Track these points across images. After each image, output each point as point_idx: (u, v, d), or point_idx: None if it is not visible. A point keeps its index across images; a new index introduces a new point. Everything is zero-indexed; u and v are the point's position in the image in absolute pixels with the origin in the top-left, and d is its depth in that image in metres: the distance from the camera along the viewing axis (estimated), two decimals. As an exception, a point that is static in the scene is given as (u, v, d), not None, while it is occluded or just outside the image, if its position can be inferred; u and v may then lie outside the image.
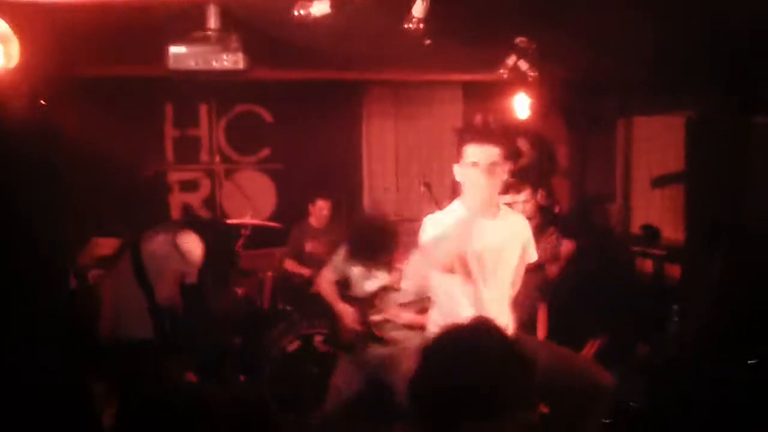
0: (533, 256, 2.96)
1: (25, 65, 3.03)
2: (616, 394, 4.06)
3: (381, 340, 3.47)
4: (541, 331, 4.55)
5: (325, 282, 3.67)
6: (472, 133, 2.91)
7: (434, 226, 2.71)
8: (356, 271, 3.55)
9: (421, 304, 3.32)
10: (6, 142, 2.98)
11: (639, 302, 5.00)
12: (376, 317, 3.45)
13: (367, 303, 3.49)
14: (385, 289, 3.51)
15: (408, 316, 3.38)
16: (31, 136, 3.27)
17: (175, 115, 5.88)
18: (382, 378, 3.53)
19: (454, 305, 2.78)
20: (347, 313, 3.52)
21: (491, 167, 2.64)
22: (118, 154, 4.21)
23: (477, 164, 2.65)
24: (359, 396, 3.62)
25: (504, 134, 5.58)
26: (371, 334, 3.46)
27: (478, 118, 6.13)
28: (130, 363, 3.29)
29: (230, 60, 2.96)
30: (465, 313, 2.73)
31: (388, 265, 3.50)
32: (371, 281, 3.53)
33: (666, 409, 3.98)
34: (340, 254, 3.66)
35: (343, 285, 3.65)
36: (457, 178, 2.76)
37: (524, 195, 4.30)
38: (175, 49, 2.91)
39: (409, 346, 3.42)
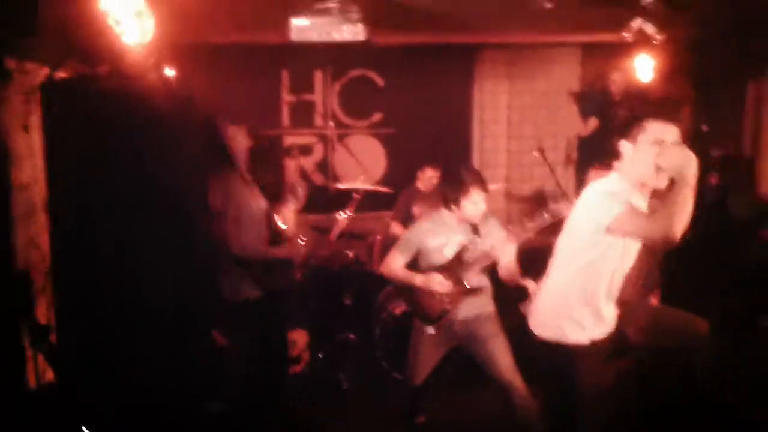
0: None
1: (157, 38, 3.17)
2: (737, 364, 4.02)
3: (476, 292, 3.48)
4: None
5: (394, 267, 3.58)
6: (656, 108, 2.74)
7: (604, 196, 2.63)
8: (433, 241, 3.50)
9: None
10: (144, 113, 3.16)
11: (760, 273, 4.82)
12: (468, 274, 3.43)
13: (453, 265, 3.46)
14: (465, 248, 3.46)
15: (510, 269, 3.34)
16: (166, 105, 3.42)
17: (291, 80, 6.02)
18: (466, 346, 3.55)
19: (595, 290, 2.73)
20: (435, 280, 3.44)
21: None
22: (237, 119, 4.35)
23: (662, 142, 2.54)
24: (439, 363, 3.65)
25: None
26: (468, 290, 3.45)
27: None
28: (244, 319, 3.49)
29: (350, 31, 2.99)
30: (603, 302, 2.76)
31: (473, 226, 3.46)
32: (450, 246, 3.48)
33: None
34: (413, 231, 3.61)
35: (411, 265, 3.58)
36: (624, 151, 2.65)
37: None
38: (297, 22, 2.98)
39: (489, 312, 3.51)
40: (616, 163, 2.71)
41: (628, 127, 2.65)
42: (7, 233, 3.17)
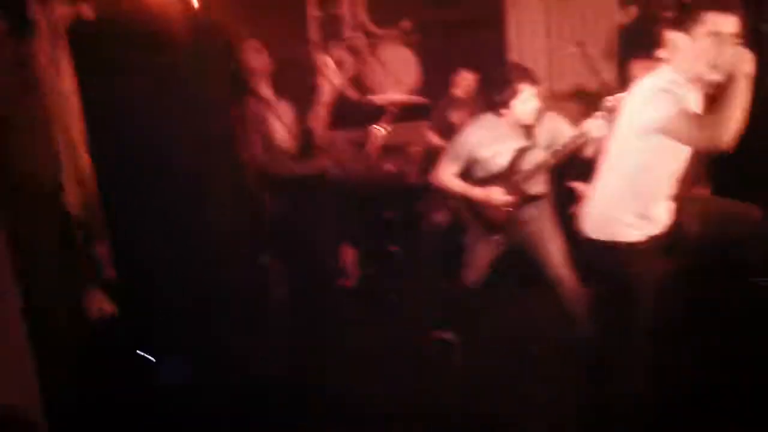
0: None
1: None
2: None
3: (538, 198, 3.43)
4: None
5: (447, 178, 3.47)
6: None
7: (655, 95, 2.50)
8: (485, 150, 3.38)
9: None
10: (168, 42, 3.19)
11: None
12: (528, 180, 3.37)
13: (511, 173, 3.37)
14: (520, 155, 3.36)
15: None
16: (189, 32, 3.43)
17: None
18: (521, 243, 3.52)
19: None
20: (495, 193, 3.38)
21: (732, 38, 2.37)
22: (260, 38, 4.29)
23: (719, 34, 2.37)
24: (498, 264, 3.66)
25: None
26: (530, 197, 3.40)
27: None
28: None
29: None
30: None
31: (527, 128, 3.35)
32: (504, 154, 3.37)
33: None
34: (463, 139, 3.44)
35: (465, 174, 3.48)
36: (677, 43, 2.48)
37: None
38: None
39: (544, 209, 3.46)
40: (667, 56, 2.58)
41: (682, 16, 2.48)
42: (54, 170, 3.28)
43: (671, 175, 2.69)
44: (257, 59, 3.66)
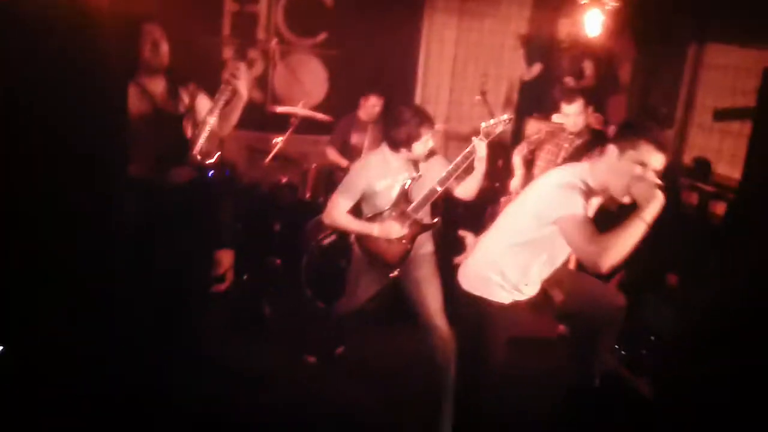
0: None
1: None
2: (643, 325, 4.21)
3: (431, 226, 3.48)
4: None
5: (340, 215, 3.41)
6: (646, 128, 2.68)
7: (565, 189, 2.62)
8: (379, 184, 3.39)
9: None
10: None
11: (677, 234, 5.00)
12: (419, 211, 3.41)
13: (400, 205, 3.40)
14: (410, 186, 3.39)
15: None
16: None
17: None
18: (400, 283, 3.53)
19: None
20: (392, 228, 3.38)
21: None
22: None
23: (645, 165, 2.52)
24: (375, 296, 3.69)
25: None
26: (425, 226, 3.44)
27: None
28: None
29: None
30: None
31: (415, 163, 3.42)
32: (396, 187, 3.40)
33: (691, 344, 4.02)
34: (357, 174, 3.44)
35: (356, 211, 3.47)
36: (609, 154, 2.64)
37: (575, 107, 4.25)
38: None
39: (427, 252, 3.50)
40: (593, 160, 2.74)
41: (622, 134, 2.66)
42: None
43: (556, 260, 2.84)
44: (153, 50, 3.42)
